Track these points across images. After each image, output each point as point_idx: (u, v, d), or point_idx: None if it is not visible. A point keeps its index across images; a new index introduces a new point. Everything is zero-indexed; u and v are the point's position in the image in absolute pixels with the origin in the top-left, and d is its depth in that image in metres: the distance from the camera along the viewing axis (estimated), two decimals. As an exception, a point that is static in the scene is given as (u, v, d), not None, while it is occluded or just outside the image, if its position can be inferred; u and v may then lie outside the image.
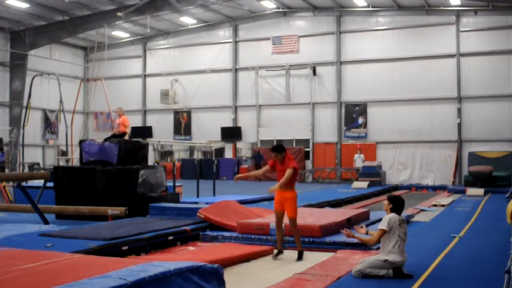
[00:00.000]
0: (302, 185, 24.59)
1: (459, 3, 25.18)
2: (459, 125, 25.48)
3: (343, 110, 27.80)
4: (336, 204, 15.59)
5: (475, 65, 25.38)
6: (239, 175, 8.44)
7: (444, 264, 6.76)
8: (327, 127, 28.05)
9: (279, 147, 8.03)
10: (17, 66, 28.38)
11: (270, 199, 15.67)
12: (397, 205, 6.57)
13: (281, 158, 7.88)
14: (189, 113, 31.43)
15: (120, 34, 31.79)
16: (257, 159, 27.35)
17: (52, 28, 28.08)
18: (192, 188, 16.18)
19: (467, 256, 7.70)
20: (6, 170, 24.42)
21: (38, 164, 27.78)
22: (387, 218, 6.42)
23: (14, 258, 5.73)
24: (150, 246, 8.41)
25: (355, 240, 8.48)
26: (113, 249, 7.68)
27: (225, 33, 30.73)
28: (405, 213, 12.98)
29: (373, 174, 23.85)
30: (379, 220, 11.05)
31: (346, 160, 27.02)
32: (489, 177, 21.37)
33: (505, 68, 24.88)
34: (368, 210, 11.72)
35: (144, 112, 32.74)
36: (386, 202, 6.63)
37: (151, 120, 32.59)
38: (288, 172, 7.71)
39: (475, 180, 21.65)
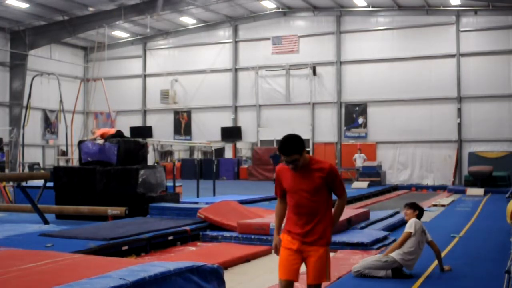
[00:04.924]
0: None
1: (459, 3, 25.18)
2: (459, 125, 25.48)
3: (343, 110, 27.80)
4: (336, 204, 15.54)
5: (475, 65, 25.38)
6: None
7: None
8: (327, 127, 28.05)
9: (290, 144, 4.04)
10: (17, 66, 28.37)
11: (271, 199, 15.70)
12: (421, 212, 6.69)
13: (297, 164, 4.02)
14: (189, 113, 31.43)
15: (120, 34, 31.79)
16: (275, 159, 26.77)
17: (52, 28, 28.07)
18: (192, 188, 16.17)
19: (467, 256, 7.71)
20: (6, 170, 24.41)
21: (38, 164, 27.76)
22: (413, 221, 6.49)
23: (14, 258, 5.73)
24: (150, 246, 8.42)
25: (355, 241, 8.50)
26: (113, 249, 7.68)
27: (225, 33, 30.72)
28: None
29: (373, 174, 23.86)
30: (379, 220, 11.13)
31: (346, 160, 27.00)
32: (489, 177, 21.38)
33: (505, 68, 24.87)
34: (368, 210, 11.72)
35: (144, 112, 32.74)
36: (409, 210, 6.65)
37: (151, 120, 32.59)
38: (340, 202, 4.20)
39: (475, 180, 21.66)
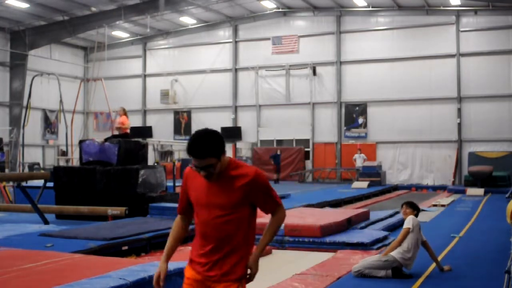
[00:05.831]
0: (302, 185, 24.60)
1: (459, 3, 25.18)
2: (459, 125, 25.48)
3: (343, 110, 27.79)
4: (336, 204, 15.59)
5: (475, 65, 25.37)
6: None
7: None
8: (327, 127, 28.04)
9: (205, 143, 2.86)
10: (17, 66, 28.37)
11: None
12: (418, 212, 6.77)
13: (211, 172, 2.91)
14: (189, 113, 31.42)
15: (120, 34, 31.78)
16: (276, 160, 26.42)
17: (52, 28, 28.06)
18: (192, 188, 16.13)
19: (467, 256, 7.71)
20: (6, 170, 24.41)
21: (38, 164, 27.76)
22: (411, 218, 6.56)
23: (14, 258, 5.73)
24: (150, 246, 8.42)
25: (355, 241, 8.50)
26: (113, 249, 7.68)
27: (225, 33, 30.72)
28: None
29: (373, 174, 23.86)
30: (379, 220, 11.13)
31: (346, 160, 27.01)
32: (489, 177, 21.38)
33: (505, 68, 24.87)
34: (368, 210, 11.73)
35: (144, 112, 32.73)
36: (409, 209, 6.70)
37: (151, 120, 32.59)
38: (275, 219, 3.13)
39: (475, 180, 21.66)
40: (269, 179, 17.91)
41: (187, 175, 3.12)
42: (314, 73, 28.08)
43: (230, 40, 30.45)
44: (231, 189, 2.93)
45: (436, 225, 11.16)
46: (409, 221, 6.48)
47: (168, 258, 3.16)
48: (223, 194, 2.94)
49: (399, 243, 6.38)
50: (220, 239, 2.95)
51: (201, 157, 2.85)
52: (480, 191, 20.04)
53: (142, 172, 11.73)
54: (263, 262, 8.05)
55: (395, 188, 24.13)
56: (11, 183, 14.75)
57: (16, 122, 27.58)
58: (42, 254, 6.17)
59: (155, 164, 15.81)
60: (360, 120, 27.41)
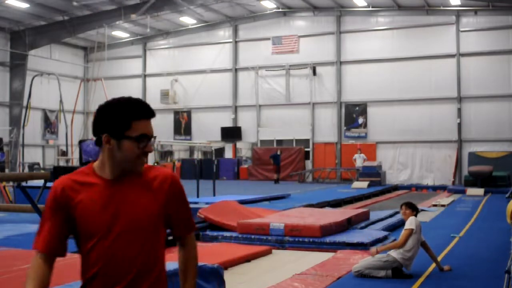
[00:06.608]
0: (302, 185, 24.60)
1: (459, 3, 25.18)
2: (459, 125, 25.48)
3: (343, 110, 27.79)
4: (336, 204, 15.59)
5: (475, 65, 25.37)
6: None
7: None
8: (327, 127, 28.04)
9: (105, 111, 2.01)
10: (17, 66, 28.37)
11: (270, 199, 15.71)
12: (417, 212, 6.81)
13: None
14: (189, 113, 31.43)
15: (120, 34, 31.78)
16: (276, 160, 26.12)
17: (52, 28, 28.08)
18: (192, 188, 16.14)
19: (467, 256, 7.71)
20: (6, 170, 24.41)
21: (38, 164, 27.76)
22: (413, 219, 6.56)
23: (14, 258, 5.73)
24: (150, 246, 8.39)
25: (355, 241, 8.49)
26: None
27: (225, 33, 30.73)
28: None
29: (373, 174, 23.85)
30: (379, 220, 11.13)
31: (346, 160, 27.00)
32: (489, 177, 21.38)
33: (505, 68, 24.87)
34: (368, 210, 11.73)
35: (144, 112, 32.69)
36: (408, 210, 6.70)
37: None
38: (193, 254, 2.31)
39: (475, 180, 21.66)
40: (269, 179, 17.97)
41: (64, 189, 2.05)
42: (314, 73, 28.07)
43: (230, 40, 30.45)
44: (147, 198, 2.04)
45: (436, 225, 11.17)
46: (411, 222, 6.48)
47: None
48: (137, 206, 2.02)
49: (403, 245, 6.36)
50: (135, 275, 2.04)
51: (154, 115, 2.05)
52: (480, 191, 20.03)
53: (142, 172, 11.71)
54: (263, 261, 8.07)
55: (395, 188, 24.12)
56: (11, 183, 14.74)
57: (16, 122, 27.59)
58: (42, 254, 6.14)
59: (155, 164, 15.82)
60: (360, 120, 27.41)
